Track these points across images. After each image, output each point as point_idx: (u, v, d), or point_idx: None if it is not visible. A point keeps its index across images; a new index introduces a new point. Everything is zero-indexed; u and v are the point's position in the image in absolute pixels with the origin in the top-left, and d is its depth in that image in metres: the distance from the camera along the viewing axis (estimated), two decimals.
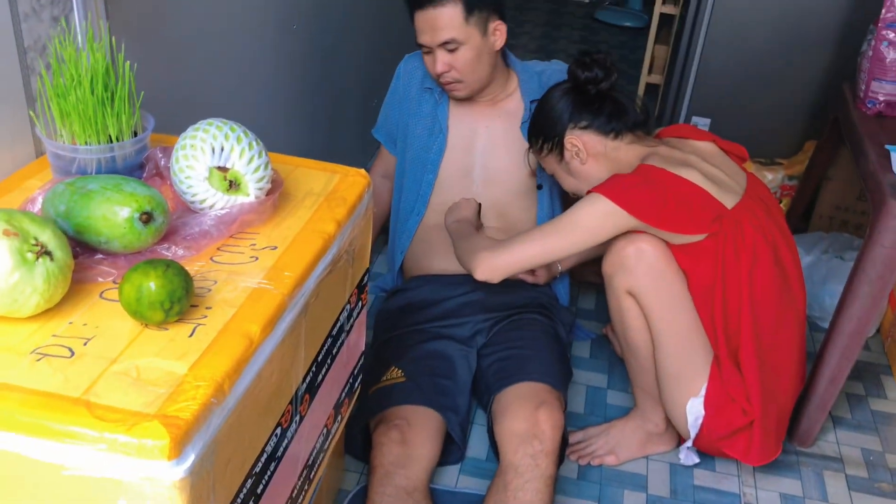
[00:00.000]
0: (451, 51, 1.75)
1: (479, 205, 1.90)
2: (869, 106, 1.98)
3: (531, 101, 1.91)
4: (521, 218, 1.97)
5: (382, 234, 2.21)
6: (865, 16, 2.10)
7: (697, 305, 1.59)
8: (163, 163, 1.14)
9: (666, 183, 1.54)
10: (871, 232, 1.67)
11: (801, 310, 1.70)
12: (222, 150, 1.05)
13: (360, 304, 1.33)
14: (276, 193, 1.12)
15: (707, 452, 1.76)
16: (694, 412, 1.64)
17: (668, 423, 1.78)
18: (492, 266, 1.61)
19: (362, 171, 1.27)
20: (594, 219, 1.54)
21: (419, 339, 1.80)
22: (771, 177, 2.66)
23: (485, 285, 1.85)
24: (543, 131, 1.74)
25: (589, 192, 1.56)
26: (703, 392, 1.62)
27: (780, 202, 2.59)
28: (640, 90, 3.47)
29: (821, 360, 1.79)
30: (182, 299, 0.89)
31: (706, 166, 1.62)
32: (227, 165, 1.06)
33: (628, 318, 1.64)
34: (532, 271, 1.95)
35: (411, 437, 1.57)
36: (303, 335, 1.04)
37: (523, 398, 1.63)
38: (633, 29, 4.87)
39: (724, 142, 1.73)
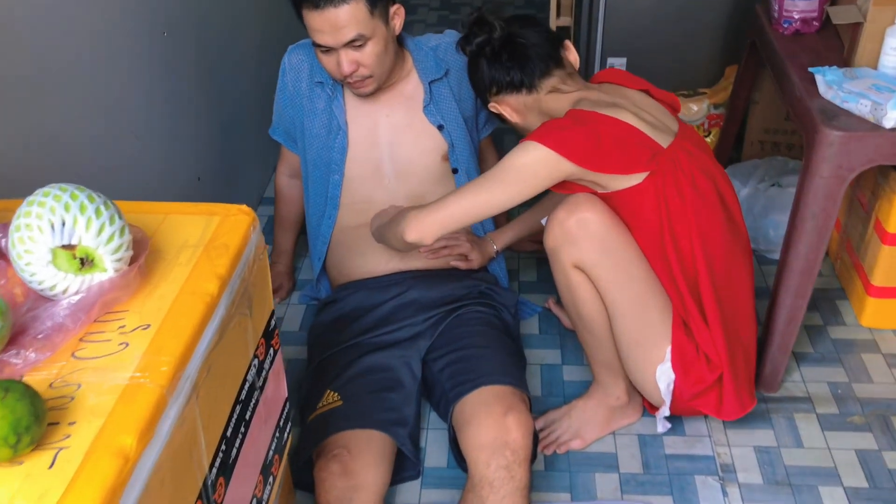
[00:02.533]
0: (358, 47, 1.58)
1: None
2: (785, 26, 1.87)
3: (430, 83, 1.76)
4: None
5: (303, 235, 2.06)
6: None
7: (648, 256, 1.50)
8: (3, 243, 0.98)
9: (598, 123, 1.43)
10: (806, 163, 1.57)
11: (747, 245, 1.63)
12: (63, 224, 0.89)
13: (271, 351, 1.19)
14: (142, 258, 0.96)
15: (680, 415, 1.68)
16: (665, 378, 1.54)
17: (630, 393, 1.69)
18: (422, 224, 1.49)
19: (244, 207, 1.11)
20: (527, 167, 1.43)
21: (355, 355, 1.67)
22: (696, 108, 2.56)
23: (417, 283, 1.72)
24: (478, 97, 1.68)
25: (521, 141, 1.44)
26: (668, 355, 1.52)
27: (709, 134, 2.49)
28: None
29: (775, 302, 1.71)
30: (31, 427, 0.74)
31: (638, 109, 1.51)
32: (74, 242, 0.90)
33: (579, 292, 1.54)
34: (465, 256, 1.83)
35: (354, 467, 1.44)
36: (198, 421, 0.90)
37: (487, 405, 1.50)
38: None
39: (657, 90, 1.62)
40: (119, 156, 1.59)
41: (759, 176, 2.23)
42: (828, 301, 2.06)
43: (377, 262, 1.75)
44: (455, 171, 1.80)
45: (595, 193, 1.48)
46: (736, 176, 2.28)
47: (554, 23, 3.30)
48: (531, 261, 2.23)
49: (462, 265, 1.81)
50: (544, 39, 1.57)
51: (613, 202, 1.47)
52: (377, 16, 1.58)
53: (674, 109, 1.62)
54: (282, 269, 2.11)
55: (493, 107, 1.59)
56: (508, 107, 1.58)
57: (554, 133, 1.41)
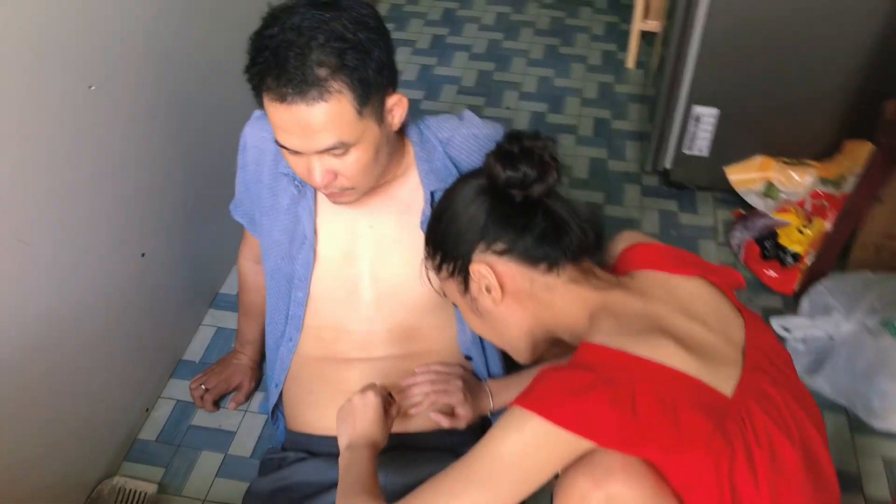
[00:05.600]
0: (338, 155, 1.13)
1: (388, 396, 1.30)
2: None
3: (433, 192, 1.29)
4: (434, 339, 1.40)
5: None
6: None
7: None
8: None
9: (630, 378, 0.94)
10: None
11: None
12: None
13: None
14: None
15: None
16: None
17: None
18: None
19: None
20: (526, 453, 0.94)
21: None
22: (799, 178, 2.02)
23: (388, 463, 1.30)
24: (443, 243, 1.14)
25: (511, 404, 0.97)
26: None
27: (810, 223, 1.95)
28: (633, 41, 2.76)
29: None
30: None
31: (687, 325, 1.02)
32: None
33: None
34: (452, 412, 1.39)
35: None
36: None
37: None
38: None
39: (711, 270, 1.12)
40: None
41: (868, 304, 1.70)
42: None
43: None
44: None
45: None
46: (836, 294, 1.76)
47: (638, 25, 2.73)
48: None
49: (445, 423, 1.37)
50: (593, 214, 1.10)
51: (659, 464, 1.00)
52: (367, 115, 1.11)
53: (731, 286, 1.13)
54: (245, 361, 1.70)
55: (477, 267, 1.08)
56: (500, 277, 1.08)
57: (566, 402, 0.92)
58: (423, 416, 1.37)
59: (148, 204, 1.57)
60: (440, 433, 1.38)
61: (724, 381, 0.99)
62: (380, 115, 1.15)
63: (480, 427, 1.43)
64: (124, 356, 1.56)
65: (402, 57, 2.86)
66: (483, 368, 1.44)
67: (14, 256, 1.22)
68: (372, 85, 1.10)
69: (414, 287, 1.34)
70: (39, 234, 1.26)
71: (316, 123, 1.08)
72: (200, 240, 1.80)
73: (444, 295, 1.21)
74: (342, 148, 1.12)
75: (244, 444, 1.62)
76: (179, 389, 1.71)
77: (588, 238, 1.10)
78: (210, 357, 1.79)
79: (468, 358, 1.44)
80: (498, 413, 1.45)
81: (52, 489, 1.38)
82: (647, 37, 2.84)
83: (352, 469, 1.17)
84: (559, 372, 0.97)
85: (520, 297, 1.10)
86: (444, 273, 1.16)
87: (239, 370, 1.70)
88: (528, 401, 0.94)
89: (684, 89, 2.04)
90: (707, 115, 2.04)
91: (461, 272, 1.12)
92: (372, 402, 1.24)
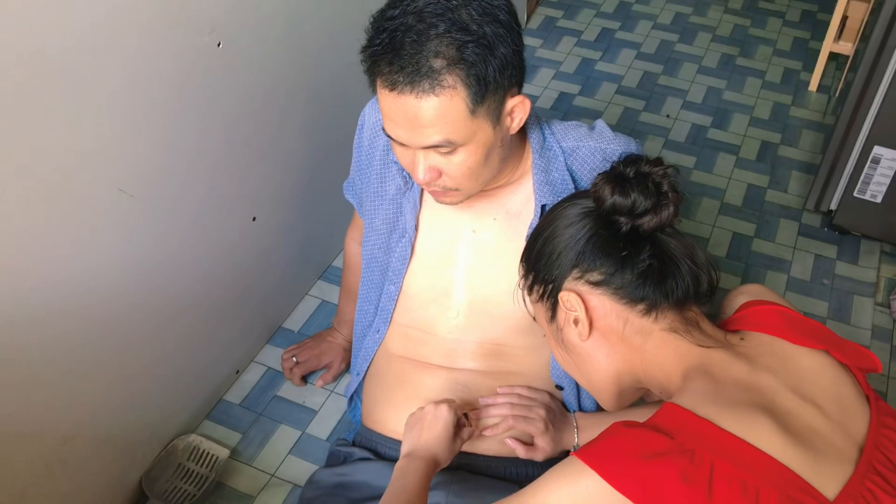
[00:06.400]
0: (445, 154, 1.06)
1: (464, 417, 1.22)
2: None
3: (543, 205, 1.18)
4: (524, 361, 1.30)
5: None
6: None
7: None
8: None
9: (713, 453, 0.81)
10: None
11: None
12: None
13: None
14: None
15: None
16: None
17: None
18: None
19: None
20: None
21: None
22: None
23: (454, 483, 1.23)
24: (537, 263, 1.04)
25: (571, 453, 0.87)
26: None
27: None
28: (821, 62, 2.49)
29: None
30: None
31: (796, 406, 0.87)
32: None
33: None
34: (530, 441, 1.29)
35: None
36: None
37: None
38: None
39: (842, 347, 0.95)
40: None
41: None
42: None
43: None
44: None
45: None
46: None
47: (829, 46, 2.47)
48: None
49: (522, 452, 1.26)
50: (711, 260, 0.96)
51: None
52: (481, 115, 1.02)
53: (865, 372, 0.96)
54: (340, 341, 1.67)
55: (566, 296, 0.97)
56: (592, 311, 0.97)
57: (632, 466, 0.80)
58: (498, 439, 1.27)
59: (263, 168, 1.55)
60: (512, 461, 1.29)
61: (829, 479, 0.83)
62: (496, 117, 1.05)
63: (558, 461, 1.32)
64: (223, 315, 1.56)
65: (564, 47, 2.73)
66: (574, 401, 1.33)
67: (118, 206, 1.22)
68: (490, 83, 1.00)
69: (508, 302, 1.25)
70: (145, 187, 1.26)
71: (424, 118, 1.00)
72: (316, 211, 1.78)
73: (535, 318, 1.11)
74: (449, 147, 1.04)
75: (323, 426, 1.59)
76: (272, 357, 1.71)
77: (699, 286, 0.97)
78: (309, 329, 1.77)
79: (559, 388, 1.33)
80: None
81: (128, 436, 1.40)
82: (836, 59, 2.56)
83: (403, 479, 1.11)
84: (631, 430, 0.85)
85: (609, 337, 0.98)
86: (534, 295, 1.06)
87: (332, 348, 1.67)
88: (590, 455, 0.83)
89: (866, 124, 1.80)
90: (889, 158, 1.80)
91: (550, 297, 1.02)
92: (444, 416, 1.16)
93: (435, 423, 1.16)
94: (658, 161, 0.97)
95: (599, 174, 0.99)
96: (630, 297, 0.96)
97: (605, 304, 0.97)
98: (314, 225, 1.80)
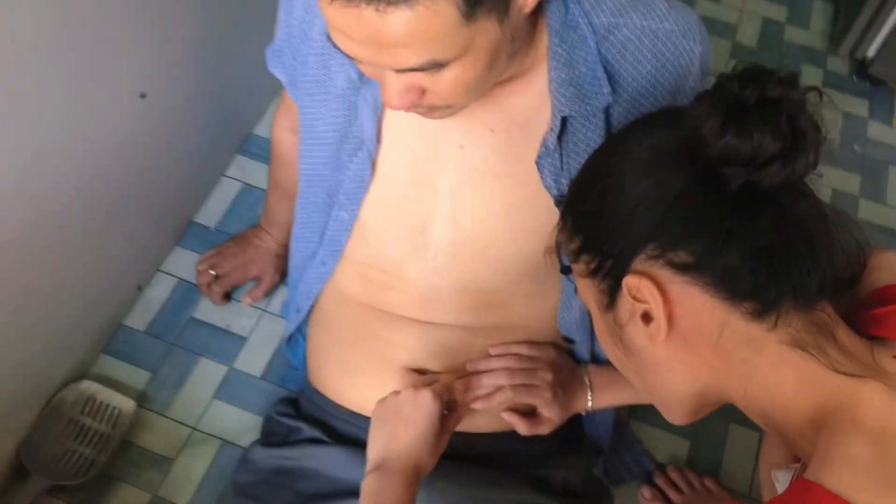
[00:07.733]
0: (429, 73, 0.66)
1: (450, 400, 0.90)
2: None
3: (564, 117, 0.80)
4: (524, 312, 0.98)
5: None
6: None
7: None
8: None
9: None
10: None
11: None
12: None
13: None
14: None
15: None
16: None
17: None
18: None
19: None
20: None
21: None
22: None
23: (438, 473, 0.93)
24: (589, 222, 0.68)
25: None
26: None
27: None
28: None
29: None
30: None
31: None
32: None
33: None
34: (532, 411, 0.99)
35: None
36: None
37: None
38: None
39: None
40: None
41: None
42: None
43: (379, 393, 0.92)
44: (566, 270, 0.86)
45: None
46: None
47: None
48: None
49: (523, 428, 0.97)
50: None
51: None
52: (483, 13, 0.63)
53: None
54: (271, 246, 1.31)
55: (632, 281, 0.62)
56: (664, 305, 0.62)
57: None
58: (492, 413, 0.98)
59: (148, 34, 1.10)
60: (511, 437, 0.99)
61: None
62: (504, 6, 0.65)
63: (568, 428, 1.03)
64: (117, 215, 1.17)
65: None
66: (586, 352, 1.02)
67: None
68: None
69: (507, 242, 0.91)
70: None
71: (392, 35, 0.61)
72: (228, 71, 1.34)
73: (570, 279, 0.76)
74: (434, 67, 0.65)
75: (255, 359, 1.26)
76: (184, 264, 1.33)
77: (841, 278, 0.64)
78: (230, 224, 1.39)
79: (568, 341, 1.02)
80: (596, 414, 1.06)
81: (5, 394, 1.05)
82: None
83: (379, 488, 0.81)
84: None
85: (696, 345, 0.64)
86: (581, 266, 0.70)
87: (260, 255, 1.31)
88: None
89: None
90: None
91: (608, 277, 0.66)
92: (426, 407, 0.85)
93: (415, 416, 0.85)
94: (792, 80, 0.60)
95: (699, 96, 0.61)
96: (734, 290, 0.60)
97: (693, 298, 0.61)
98: (228, 86, 1.37)
